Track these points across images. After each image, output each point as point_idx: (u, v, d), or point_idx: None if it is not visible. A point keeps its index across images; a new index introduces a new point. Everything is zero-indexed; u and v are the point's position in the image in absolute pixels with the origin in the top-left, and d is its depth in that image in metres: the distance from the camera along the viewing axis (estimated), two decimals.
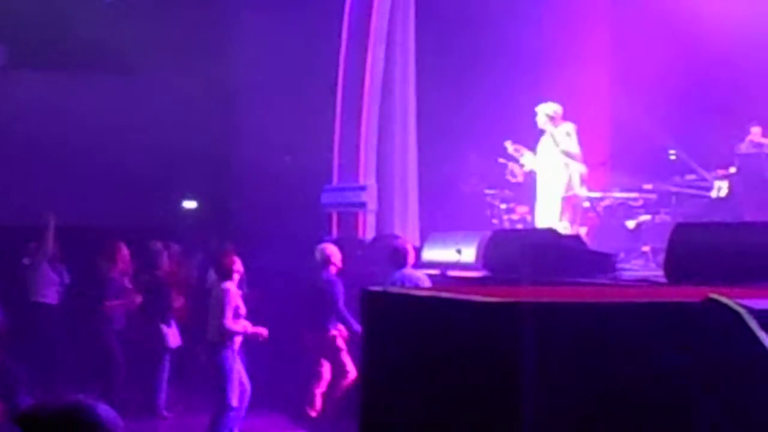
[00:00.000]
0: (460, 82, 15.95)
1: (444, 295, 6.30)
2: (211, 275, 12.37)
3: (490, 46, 15.82)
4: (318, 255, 12.04)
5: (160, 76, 18.37)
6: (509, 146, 13.79)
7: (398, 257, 11.25)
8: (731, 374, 4.96)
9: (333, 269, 11.85)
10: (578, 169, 13.83)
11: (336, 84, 16.23)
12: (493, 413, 4.96)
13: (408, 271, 11.14)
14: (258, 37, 17.71)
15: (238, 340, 10.96)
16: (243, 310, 11.04)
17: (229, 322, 10.79)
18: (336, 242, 14.32)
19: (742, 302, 5.10)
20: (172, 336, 12.73)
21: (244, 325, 11.01)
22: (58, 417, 3.13)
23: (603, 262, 9.98)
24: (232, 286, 11.07)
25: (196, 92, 18.46)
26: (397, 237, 13.88)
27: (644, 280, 9.18)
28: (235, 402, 10.91)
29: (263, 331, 11.12)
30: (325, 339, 11.72)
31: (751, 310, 5.07)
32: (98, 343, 12.41)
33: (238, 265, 11.21)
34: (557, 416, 4.80)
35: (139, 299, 12.63)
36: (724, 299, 5.19)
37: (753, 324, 5.08)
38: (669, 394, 4.98)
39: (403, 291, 6.67)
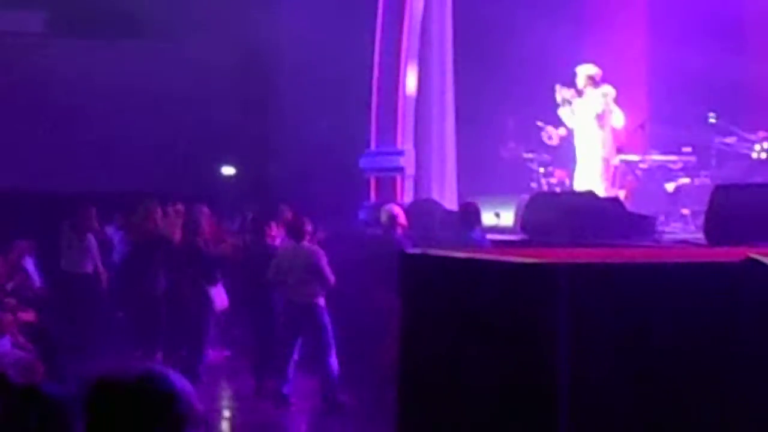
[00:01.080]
0: (497, 45, 15.85)
1: (480, 256, 6.33)
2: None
3: (527, 7, 15.70)
4: (384, 216, 12.02)
5: (199, 43, 18.35)
6: (558, 90, 13.66)
7: (469, 219, 11.09)
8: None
9: (399, 230, 11.80)
10: (616, 131, 13.75)
11: (373, 48, 16.18)
12: (529, 372, 4.99)
13: (478, 233, 10.98)
14: (296, 2, 17.66)
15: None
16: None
17: (332, 276, 11.08)
18: (374, 207, 14.36)
19: None
20: (219, 298, 12.78)
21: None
22: (132, 388, 3.02)
23: (642, 225, 9.94)
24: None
25: (234, 59, 18.48)
26: (432, 201, 13.87)
27: (684, 242, 9.15)
28: (335, 362, 11.03)
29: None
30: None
31: None
32: (144, 304, 12.50)
33: (308, 227, 11.42)
34: (592, 374, 4.81)
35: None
36: (764, 259, 5.18)
37: None
38: (707, 353, 4.98)
39: (441, 253, 6.69)
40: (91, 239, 14.61)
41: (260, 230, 12.31)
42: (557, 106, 13.88)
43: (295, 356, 11.38)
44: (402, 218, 11.83)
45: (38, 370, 9.49)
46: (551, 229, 9.75)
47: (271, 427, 11.27)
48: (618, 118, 13.84)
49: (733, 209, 7.35)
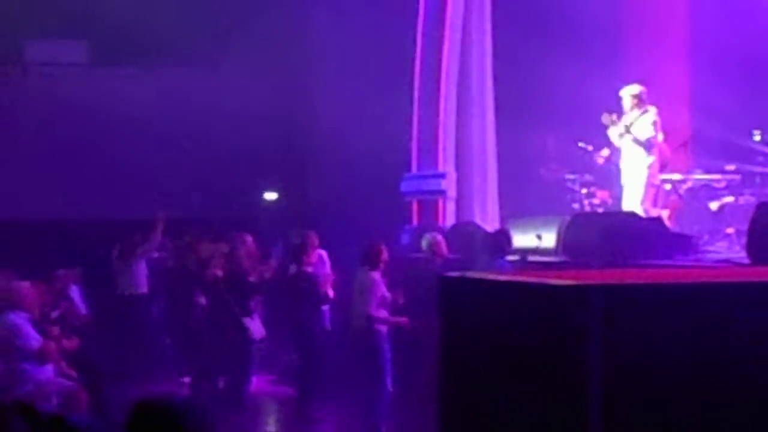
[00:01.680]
0: (537, 66, 15.80)
1: (515, 279, 6.29)
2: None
3: (566, 28, 15.66)
4: (425, 244, 12.04)
5: (240, 68, 18.48)
6: (605, 118, 13.58)
7: (497, 246, 11.09)
8: None
9: (439, 260, 11.77)
10: (661, 153, 13.67)
11: (413, 71, 16.19)
12: (563, 394, 4.94)
13: (507, 260, 10.99)
14: (334, 26, 17.72)
15: (385, 326, 11.23)
16: (388, 299, 11.36)
17: (374, 310, 11.06)
18: (416, 230, 14.35)
19: None
20: (256, 328, 12.83)
21: (386, 314, 11.22)
22: (169, 412, 3.09)
23: (684, 244, 9.86)
24: (377, 275, 11.25)
25: (275, 84, 18.55)
26: (474, 224, 13.84)
27: (726, 261, 9.06)
28: (390, 385, 11.09)
29: (404, 321, 11.31)
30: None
31: None
32: (188, 333, 12.54)
33: (385, 255, 11.42)
34: (625, 395, 4.75)
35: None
36: None
37: None
38: (745, 376, 4.91)
39: (478, 277, 6.67)
40: (140, 264, 14.78)
41: (299, 257, 12.33)
42: (605, 127, 13.79)
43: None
44: (442, 247, 11.81)
45: (82, 398, 9.57)
46: (591, 250, 9.70)
47: None
48: (664, 149, 13.78)
49: None
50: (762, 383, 4.96)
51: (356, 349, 11.48)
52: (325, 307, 12.74)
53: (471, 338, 5.99)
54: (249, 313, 12.73)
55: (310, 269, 12.31)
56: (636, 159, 13.43)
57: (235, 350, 12.56)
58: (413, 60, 16.25)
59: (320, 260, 13.51)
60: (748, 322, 4.95)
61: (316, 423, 11.75)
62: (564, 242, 10.93)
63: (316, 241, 13.55)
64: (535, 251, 11.27)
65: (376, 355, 11.25)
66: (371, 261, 11.43)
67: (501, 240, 11.12)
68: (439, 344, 6.45)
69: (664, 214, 13.79)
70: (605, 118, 13.50)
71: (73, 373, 10.42)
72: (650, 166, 13.48)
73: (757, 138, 14.58)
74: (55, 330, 10.92)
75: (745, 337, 4.91)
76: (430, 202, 15.78)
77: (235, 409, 12.24)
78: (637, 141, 13.36)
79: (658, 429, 4.71)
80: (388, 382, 11.22)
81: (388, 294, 11.37)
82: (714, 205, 13.83)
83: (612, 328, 4.79)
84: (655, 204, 13.76)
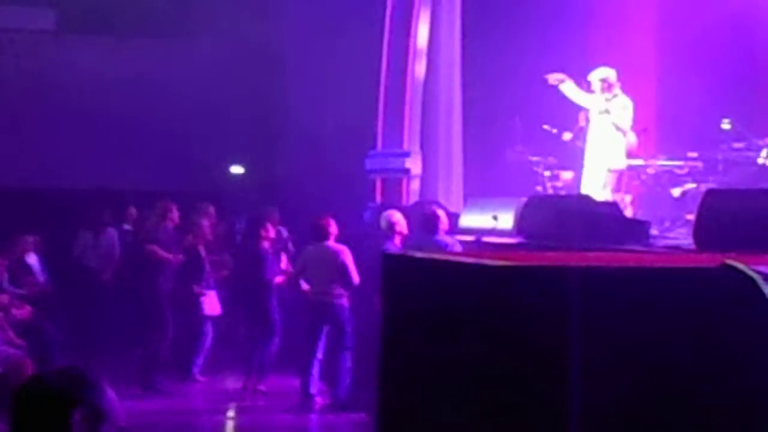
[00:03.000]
0: (505, 48, 15.78)
1: (468, 260, 6.22)
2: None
3: (536, 10, 15.65)
4: (383, 223, 12.04)
5: (206, 41, 18.42)
6: (550, 78, 13.56)
7: (429, 224, 11.23)
8: (745, 340, 4.89)
9: (398, 237, 11.79)
10: (628, 139, 13.67)
11: (381, 49, 16.15)
12: (536, 378, 4.91)
13: (440, 237, 11.12)
14: (305, 3, 17.66)
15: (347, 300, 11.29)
16: None
17: (356, 277, 11.14)
18: (379, 208, 14.33)
19: (758, 268, 5.02)
20: (209, 304, 12.77)
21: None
22: (55, 390, 3.06)
23: (637, 230, 9.88)
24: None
25: (241, 57, 18.48)
26: (432, 203, 13.83)
27: (676, 247, 9.08)
28: (350, 359, 11.28)
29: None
30: None
31: (766, 276, 4.99)
32: (148, 304, 12.47)
33: (334, 227, 11.44)
34: (600, 377, 4.75)
35: (179, 258, 12.63)
36: (739, 265, 5.11)
37: (767, 289, 4.99)
38: (691, 359, 4.92)
39: (426, 256, 6.60)
40: (107, 236, 14.72)
41: (255, 233, 12.31)
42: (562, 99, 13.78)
43: (319, 356, 11.43)
44: (401, 226, 11.83)
45: (26, 368, 9.52)
46: (546, 233, 9.71)
47: (263, 427, 11.27)
48: (632, 137, 13.78)
49: (723, 214, 7.27)
50: (695, 364, 4.95)
51: (316, 323, 11.48)
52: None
53: (418, 319, 5.95)
54: (209, 287, 12.67)
55: (266, 244, 12.28)
56: (605, 143, 13.42)
57: (188, 324, 12.51)
58: (381, 38, 16.19)
59: (279, 236, 13.51)
60: (685, 305, 4.96)
61: (264, 397, 11.74)
62: (519, 224, 10.94)
63: (275, 218, 13.56)
64: (491, 232, 11.27)
65: (344, 327, 11.30)
66: (322, 233, 11.46)
67: (430, 218, 11.20)
68: (381, 324, 6.41)
69: (627, 199, 13.81)
70: (551, 78, 13.48)
71: (21, 342, 10.36)
72: (618, 151, 13.47)
73: (726, 126, 14.57)
74: (5, 298, 10.85)
75: (686, 320, 4.91)
76: (394, 180, 15.76)
77: (186, 384, 12.23)
78: (615, 126, 13.34)
79: (634, 410, 4.75)
80: (349, 355, 11.26)
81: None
82: (676, 192, 13.84)
83: (586, 311, 4.79)
84: (618, 189, 13.77)
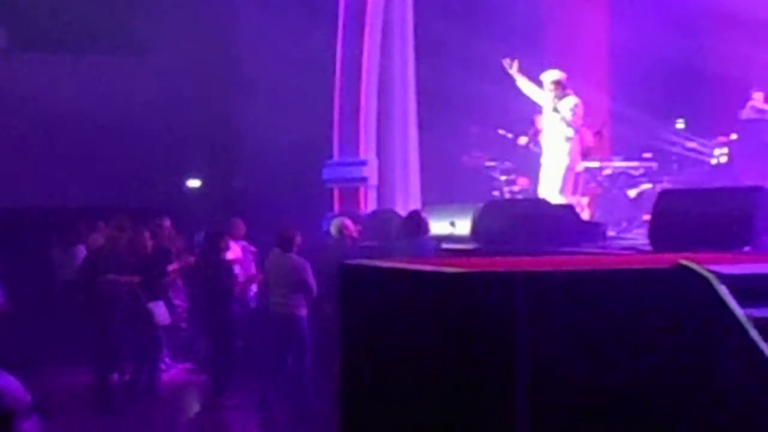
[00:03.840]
0: (459, 54, 15.84)
1: (422, 267, 6.23)
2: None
3: (488, 15, 15.72)
4: (333, 229, 12.06)
5: (161, 56, 18.33)
6: (505, 62, 13.58)
7: (417, 226, 11.15)
8: (700, 339, 4.92)
9: (349, 242, 11.84)
10: (583, 140, 13.71)
11: (335, 59, 16.15)
12: (486, 383, 4.91)
13: (429, 238, 11.08)
14: (258, 16, 17.63)
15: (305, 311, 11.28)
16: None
17: (315, 287, 11.10)
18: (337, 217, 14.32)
19: (713, 268, 5.05)
20: (161, 313, 12.70)
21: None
22: None
23: (592, 232, 9.93)
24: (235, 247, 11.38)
25: (195, 71, 18.41)
26: (391, 211, 13.84)
27: (632, 248, 9.13)
28: (310, 370, 11.25)
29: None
30: None
31: (720, 276, 5.02)
32: (100, 320, 12.37)
33: (299, 239, 11.40)
34: (547, 383, 4.76)
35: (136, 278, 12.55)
36: (693, 265, 5.13)
37: (722, 289, 5.02)
38: (646, 359, 4.94)
39: (381, 264, 6.59)
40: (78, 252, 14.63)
41: (214, 245, 12.27)
42: (518, 104, 13.83)
43: (282, 366, 11.43)
44: (351, 230, 11.85)
45: None
46: (503, 237, 9.73)
47: None
48: (586, 134, 13.81)
49: (677, 215, 7.32)
50: (651, 365, 4.98)
51: (277, 334, 11.47)
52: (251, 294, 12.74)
53: (373, 328, 5.94)
54: (155, 298, 12.60)
55: (224, 256, 12.25)
56: (556, 145, 13.46)
57: (141, 336, 12.42)
58: (335, 48, 16.19)
59: (244, 251, 13.48)
60: (641, 306, 4.98)
61: (227, 410, 11.69)
62: (476, 229, 10.95)
63: (240, 230, 13.52)
64: (449, 238, 11.28)
65: (303, 338, 11.29)
66: (288, 244, 11.46)
67: (416, 220, 11.18)
68: (340, 333, 6.40)
69: (584, 201, 13.86)
70: (505, 63, 13.51)
71: None
72: (570, 153, 13.50)
73: (680, 126, 14.71)
74: None
75: (642, 320, 4.94)
76: (352, 189, 15.76)
77: (144, 397, 12.15)
78: (566, 124, 13.36)
79: (585, 411, 4.75)
80: (308, 367, 11.25)
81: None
82: (632, 192, 13.95)
83: (534, 315, 4.80)
84: (575, 191, 13.81)
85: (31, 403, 3.08)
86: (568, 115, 13.34)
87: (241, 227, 13.72)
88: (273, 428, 11.40)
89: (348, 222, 12.00)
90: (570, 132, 13.35)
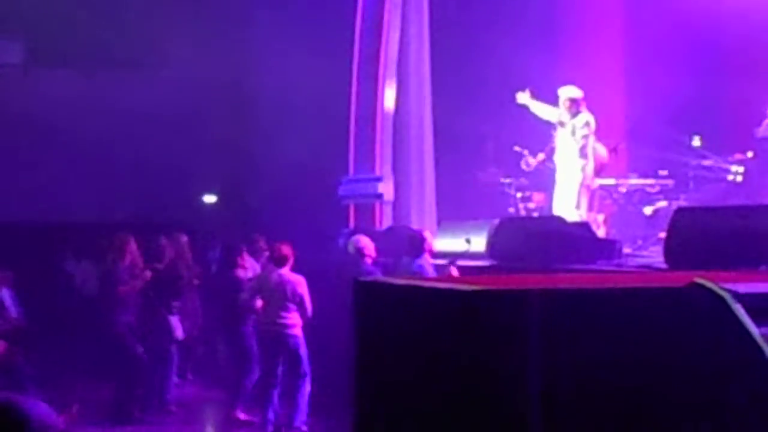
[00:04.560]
0: (476, 69, 15.85)
1: (437, 284, 6.22)
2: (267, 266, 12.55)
3: (504, 31, 15.71)
4: (350, 248, 12.00)
5: (177, 74, 18.40)
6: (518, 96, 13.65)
7: (415, 246, 11.18)
8: (715, 358, 4.89)
9: (368, 260, 11.77)
10: (598, 156, 13.71)
11: (351, 74, 16.17)
12: (500, 401, 4.90)
13: (423, 260, 11.09)
14: (275, 30, 17.68)
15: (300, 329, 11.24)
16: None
17: (311, 308, 11.05)
18: (352, 234, 14.31)
19: (728, 286, 5.02)
20: (178, 327, 12.70)
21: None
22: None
23: (608, 249, 9.91)
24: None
25: (213, 87, 18.47)
26: (406, 227, 13.83)
27: (647, 266, 9.10)
28: (307, 392, 11.16)
29: None
30: None
31: (736, 294, 4.99)
32: (112, 337, 12.36)
33: (291, 254, 11.51)
34: (560, 401, 4.75)
35: (142, 282, 12.50)
36: (708, 284, 5.11)
37: (737, 308, 5.00)
38: (660, 379, 4.92)
39: (396, 282, 6.59)
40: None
41: (231, 260, 12.26)
42: (534, 121, 13.84)
43: (277, 384, 11.37)
44: (369, 249, 11.80)
45: None
46: (518, 255, 9.72)
47: None
48: (601, 150, 13.81)
49: (693, 233, 7.29)
50: (666, 383, 4.96)
51: (270, 351, 11.42)
52: None
53: (390, 346, 5.94)
54: (171, 312, 12.59)
55: (241, 273, 12.23)
56: (570, 162, 13.46)
57: (157, 350, 12.41)
58: (351, 63, 16.21)
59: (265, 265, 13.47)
60: (656, 324, 4.97)
61: (243, 426, 11.67)
62: (492, 246, 10.94)
63: (261, 246, 13.49)
64: (464, 255, 11.26)
65: (300, 356, 11.22)
66: (281, 260, 11.41)
67: (416, 240, 11.18)
68: (354, 351, 6.39)
69: (599, 218, 13.84)
70: (518, 96, 13.58)
71: None
72: (584, 169, 13.50)
73: (697, 143, 14.66)
74: None
75: (657, 338, 4.92)
76: (367, 205, 15.75)
77: (158, 412, 12.14)
78: (580, 142, 13.36)
79: (597, 425, 4.74)
80: (306, 382, 11.17)
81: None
82: (648, 210, 13.92)
83: (548, 333, 4.79)
84: (590, 208, 13.80)
85: (61, 430, 3.10)
86: (582, 132, 13.35)
87: (262, 243, 13.70)
88: None
89: (365, 241, 11.92)
90: (584, 148, 13.36)
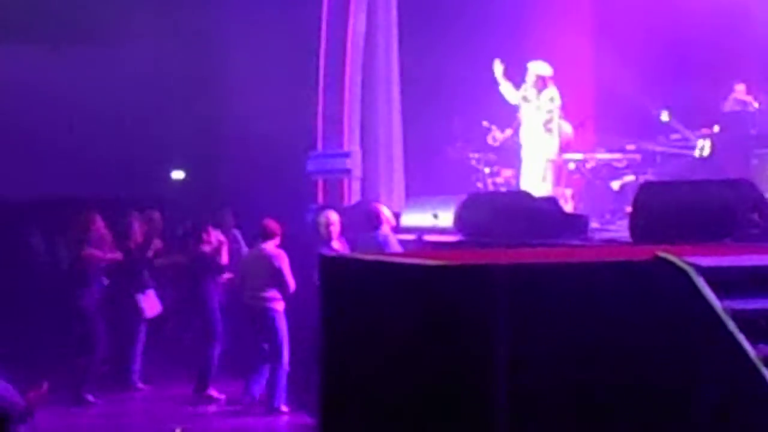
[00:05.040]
0: (443, 46, 15.85)
1: (403, 260, 6.24)
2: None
3: (472, 7, 15.71)
4: (320, 225, 12.00)
5: (146, 48, 18.27)
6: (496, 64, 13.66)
7: (370, 221, 11.23)
8: (678, 330, 4.94)
9: (335, 236, 11.78)
10: (563, 132, 13.74)
11: (318, 50, 16.11)
12: (467, 373, 4.93)
13: (380, 233, 11.14)
14: (241, 3, 17.61)
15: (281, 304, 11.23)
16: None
17: (292, 282, 11.06)
18: (320, 209, 14.30)
19: (691, 260, 5.06)
20: (149, 306, 12.67)
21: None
22: None
23: (575, 224, 9.95)
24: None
25: (181, 62, 18.37)
26: (371, 202, 13.84)
27: (613, 241, 9.14)
28: (287, 364, 11.10)
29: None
30: None
31: (698, 268, 5.04)
32: (76, 313, 12.31)
33: (278, 228, 11.37)
34: (527, 372, 4.79)
35: (109, 259, 12.44)
36: (671, 257, 5.15)
37: (700, 281, 5.04)
38: (625, 350, 4.97)
39: (362, 257, 6.62)
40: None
41: (198, 237, 12.24)
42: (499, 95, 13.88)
43: (260, 359, 11.40)
44: (337, 225, 11.82)
45: None
46: (486, 229, 9.74)
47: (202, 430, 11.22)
48: (566, 127, 13.85)
49: (658, 207, 7.33)
50: (630, 356, 5.01)
51: (252, 328, 11.45)
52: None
53: (356, 320, 5.95)
54: (142, 290, 12.56)
55: (206, 248, 12.21)
56: (535, 137, 13.49)
57: (126, 329, 12.39)
58: (319, 39, 16.16)
59: (234, 240, 13.46)
60: (618, 297, 5.01)
61: (213, 403, 11.69)
62: (459, 221, 10.96)
63: (229, 220, 13.49)
64: (432, 230, 11.29)
65: (278, 331, 11.25)
66: (270, 233, 11.43)
67: (371, 215, 11.22)
68: (320, 325, 6.40)
69: (567, 192, 13.90)
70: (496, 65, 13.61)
71: None
72: (549, 144, 13.53)
73: (665, 118, 14.72)
74: None
75: (620, 310, 4.97)
76: (336, 180, 15.73)
77: (124, 390, 12.14)
78: (545, 117, 13.40)
79: (562, 398, 4.78)
80: (285, 361, 11.21)
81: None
82: (615, 185, 13.98)
83: (515, 307, 4.83)
84: (558, 182, 13.85)
85: (24, 408, 3.09)
86: (547, 107, 13.39)
87: (230, 218, 13.69)
88: (255, 420, 11.38)
89: (335, 218, 11.93)
90: (548, 123, 13.40)
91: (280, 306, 11.32)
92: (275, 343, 11.23)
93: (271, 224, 11.63)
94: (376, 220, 11.22)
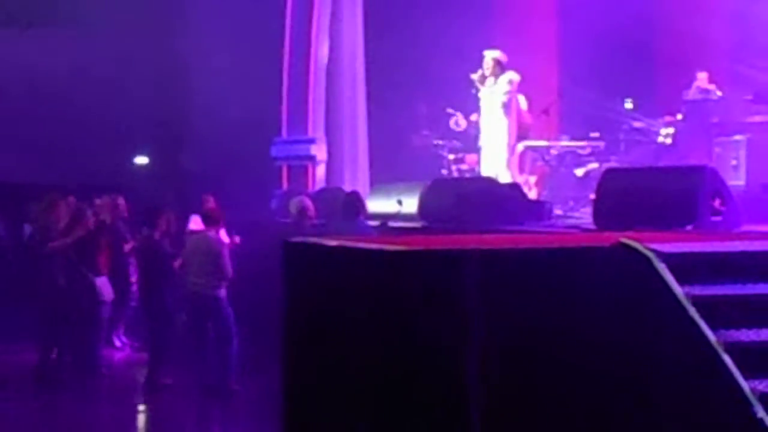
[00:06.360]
0: (408, 33, 15.82)
1: (369, 246, 6.23)
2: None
3: None
4: (293, 208, 11.90)
5: (112, 32, 18.17)
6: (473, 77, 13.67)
7: (352, 207, 11.15)
8: (640, 315, 4.97)
9: (309, 222, 11.71)
10: (520, 118, 13.73)
11: (283, 37, 16.09)
12: (434, 360, 4.94)
13: (363, 220, 11.09)
14: None
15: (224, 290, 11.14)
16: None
17: (230, 269, 10.94)
18: (285, 195, 14.30)
19: (653, 246, 5.09)
20: (106, 289, 12.60)
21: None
22: None
23: (538, 211, 9.99)
24: (223, 234, 11.13)
25: (145, 46, 18.28)
26: (339, 189, 13.81)
27: (575, 227, 9.17)
28: (236, 348, 11.04)
29: None
30: None
31: (660, 254, 5.07)
32: (39, 298, 12.24)
33: (221, 214, 11.31)
34: (494, 358, 4.81)
35: (69, 242, 12.37)
36: (634, 243, 5.17)
37: (661, 267, 5.07)
38: (586, 334, 4.99)
39: (326, 242, 6.59)
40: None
41: (152, 223, 12.13)
42: (473, 90, 13.84)
43: (207, 346, 11.32)
44: (312, 210, 11.75)
45: None
46: (450, 216, 9.76)
47: (162, 417, 11.16)
48: (521, 103, 13.83)
49: (621, 193, 7.37)
50: (592, 340, 5.04)
51: (197, 314, 11.36)
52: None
53: (318, 306, 5.94)
54: (98, 274, 12.49)
55: (158, 234, 12.10)
56: (494, 120, 13.48)
57: (85, 312, 12.30)
58: (284, 25, 16.14)
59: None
60: (581, 283, 5.03)
61: (167, 390, 11.62)
62: (423, 208, 10.97)
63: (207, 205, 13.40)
64: (396, 216, 11.28)
65: (225, 318, 11.17)
66: (213, 220, 11.33)
67: (353, 201, 11.13)
68: (283, 309, 6.39)
69: (532, 180, 13.93)
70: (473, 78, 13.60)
71: None
72: (508, 129, 13.49)
73: (629, 106, 14.79)
74: None
75: (586, 296, 4.99)
76: (300, 167, 15.73)
77: (86, 375, 12.06)
78: (493, 104, 13.40)
79: (531, 380, 4.81)
80: (235, 346, 11.13)
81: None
82: (579, 172, 14.02)
83: (485, 292, 4.85)
84: (522, 170, 13.87)
85: None
86: (505, 88, 13.38)
87: (210, 203, 13.58)
88: (201, 410, 11.32)
89: (308, 202, 11.85)
90: (507, 105, 13.38)
91: (223, 292, 11.20)
92: (224, 329, 11.13)
93: (214, 210, 11.53)
94: (358, 205, 11.11)
